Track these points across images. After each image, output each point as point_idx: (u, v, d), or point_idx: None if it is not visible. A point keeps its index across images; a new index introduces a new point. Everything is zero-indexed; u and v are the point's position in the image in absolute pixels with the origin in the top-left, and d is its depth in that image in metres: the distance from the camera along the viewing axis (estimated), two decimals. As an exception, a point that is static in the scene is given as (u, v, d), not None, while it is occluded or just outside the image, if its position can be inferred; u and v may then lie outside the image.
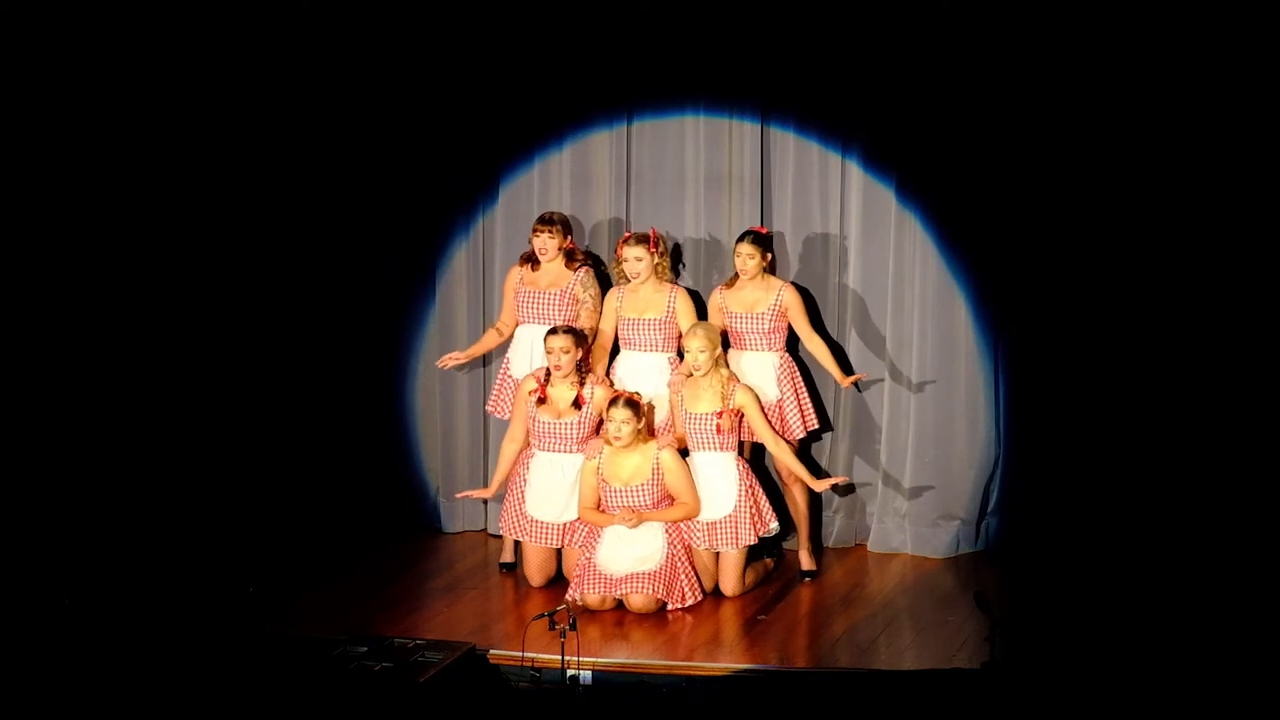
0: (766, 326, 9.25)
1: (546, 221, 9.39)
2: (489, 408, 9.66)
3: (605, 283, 9.56)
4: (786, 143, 9.60)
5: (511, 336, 9.54)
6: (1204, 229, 9.07)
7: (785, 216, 9.63)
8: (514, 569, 9.44)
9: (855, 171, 9.57)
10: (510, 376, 9.49)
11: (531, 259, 9.44)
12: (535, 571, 9.21)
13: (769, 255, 9.30)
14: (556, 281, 9.41)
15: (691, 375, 9.02)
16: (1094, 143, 9.15)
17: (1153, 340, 9.20)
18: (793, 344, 9.46)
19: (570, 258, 9.44)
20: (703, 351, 8.95)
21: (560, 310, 9.37)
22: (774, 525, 9.14)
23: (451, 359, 9.48)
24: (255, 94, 9.90)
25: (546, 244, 9.36)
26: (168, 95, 9.89)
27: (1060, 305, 9.32)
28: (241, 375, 10.08)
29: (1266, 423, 9.06)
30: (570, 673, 8.02)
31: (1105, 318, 9.26)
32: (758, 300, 9.26)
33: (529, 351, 9.40)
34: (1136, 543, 9.19)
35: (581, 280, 9.43)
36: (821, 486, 9.17)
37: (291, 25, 9.81)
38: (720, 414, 8.95)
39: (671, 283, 9.39)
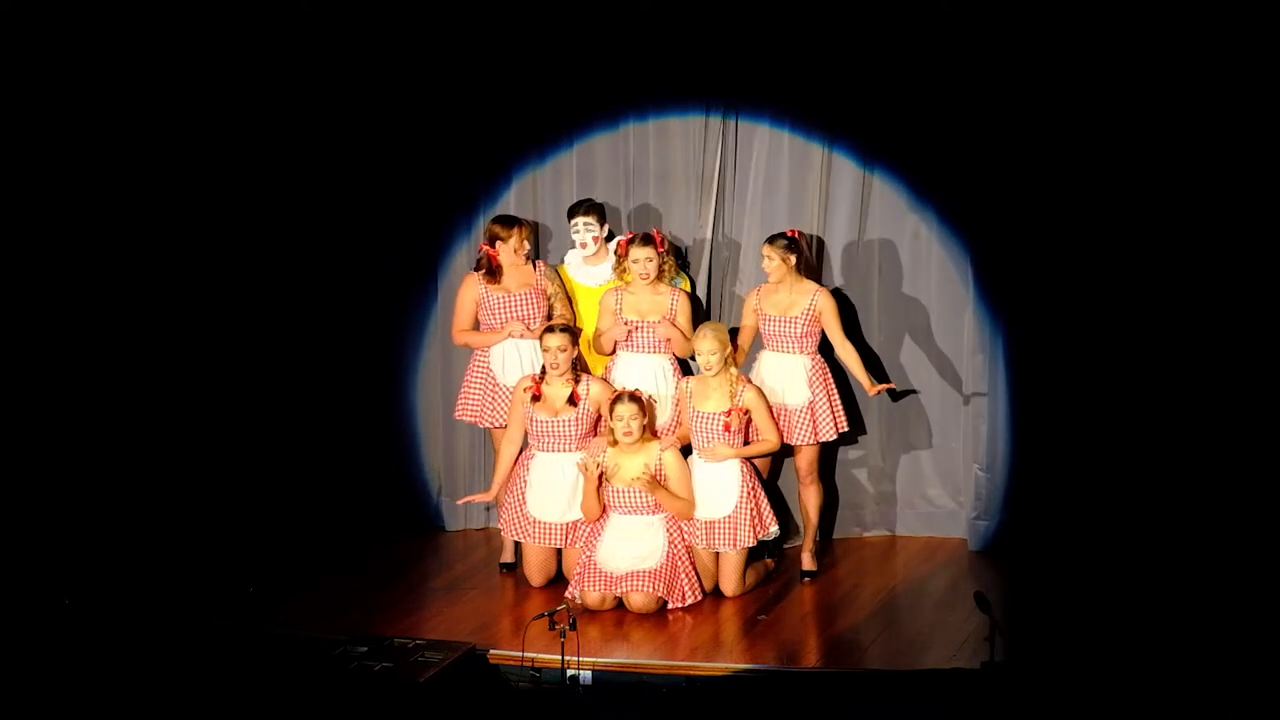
0: (799, 331, 9.18)
1: (517, 223, 9.36)
2: (459, 414, 9.54)
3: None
4: (793, 145, 9.59)
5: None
6: (1208, 230, 9.07)
7: (788, 218, 9.62)
8: (514, 569, 9.43)
9: (856, 172, 9.57)
10: (494, 383, 9.45)
11: (490, 267, 9.37)
12: (535, 571, 9.21)
13: (794, 258, 9.15)
14: (527, 281, 9.40)
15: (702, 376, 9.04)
16: (1100, 142, 9.14)
17: (1156, 340, 9.20)
18: (825, 347, 9.40)
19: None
20: (714, 354, 8.93)
21: (540, 308, 9.37)
22: (774, 529, 9.13)
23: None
24: (256, 95, 9.90)
25: (524, 244, 9.33)
26: (170, 91, 9.89)
27: (1065, 304, 9.31)
28: (243, 374, 10.08)
29: (1265, 422, 9.06)
30: (570, 673, 8.03)
31: (1109, 317, 9.25)
32: (792, 304, 9.20)
33: (517, 355, 9.38)
34: (1137, 542, 9.19)
35: (545, 273, 9.44)
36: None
37: (292, 26, 9.81)
38: (729, 412, 8.95)
39: (672, 285, 9.37)
